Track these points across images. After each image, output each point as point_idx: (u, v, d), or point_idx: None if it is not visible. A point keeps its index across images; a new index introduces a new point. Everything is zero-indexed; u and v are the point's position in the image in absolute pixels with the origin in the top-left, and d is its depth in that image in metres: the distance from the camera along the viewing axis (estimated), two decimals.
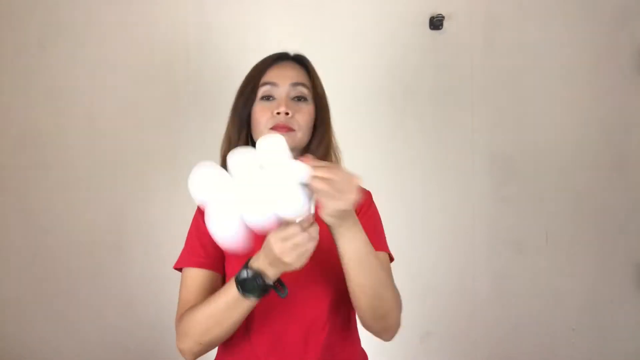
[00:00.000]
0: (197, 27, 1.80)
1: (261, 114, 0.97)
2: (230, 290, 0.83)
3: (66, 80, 1.78)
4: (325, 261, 0.92)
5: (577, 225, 1.90)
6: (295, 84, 0.98)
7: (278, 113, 0.95)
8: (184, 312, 0.93)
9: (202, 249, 0.99)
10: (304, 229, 0.77)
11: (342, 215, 0.79)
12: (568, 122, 1.89)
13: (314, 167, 0.75)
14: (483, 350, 1.89)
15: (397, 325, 0.94)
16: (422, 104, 1.86)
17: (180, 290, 1.00)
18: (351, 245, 0.83)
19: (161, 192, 1.80)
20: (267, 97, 0.98)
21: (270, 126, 0.95)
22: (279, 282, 0.84)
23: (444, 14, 1.81)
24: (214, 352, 1.05)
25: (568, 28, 1.88)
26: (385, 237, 1.05)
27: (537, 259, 1.89)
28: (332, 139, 1.05)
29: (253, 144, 1.02)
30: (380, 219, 1.06)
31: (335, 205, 0.76)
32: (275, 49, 1.07)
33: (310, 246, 0.78)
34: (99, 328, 1.80)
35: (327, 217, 0.79)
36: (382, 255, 1.00)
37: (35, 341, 1.80)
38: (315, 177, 0.75)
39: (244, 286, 0.82)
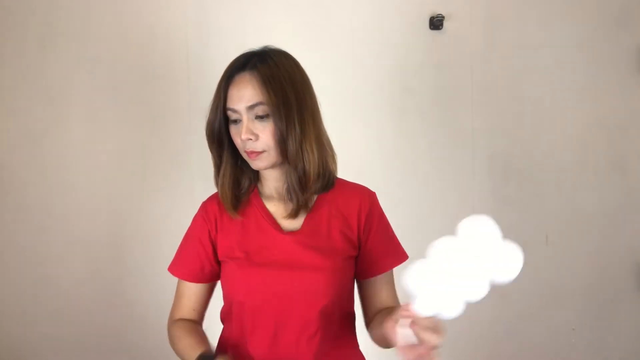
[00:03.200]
0: (197, 27, 1.80)
1: (235, 138, 0.96)
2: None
3: (66, 80, 1.78)
4: (318, 269, 0.94)
5: (577, 225, 1.90)
6: (252, 107, 0.91)
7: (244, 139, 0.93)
8: (173, 321, 1.05)
9: (197, 261, 1.02)
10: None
11: None
12: (568, 122, 1.89)
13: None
14: (483, 350, 1.89)
15: None
16: (422, 104, 1.86)
17: (175, 293, 1.06)
18: None
19: (161, 192, 1.80)
20: (235, 121, 0.95)
21: (244, 151, 0.95)
22: None
23: (444, 14, 1.81)
24: None
25: (568, 28, 1.87)
26: (397, 241, 1.06)
27: (537, 259, 1.89)
28: (311, 135, 0.95)
29: (243, 161, 1.00)
30: (388, 222, 1.07)
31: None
32: None
33: None
34: (99, 328, 1.80)
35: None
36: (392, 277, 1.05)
37: (35, 341, 1.80)
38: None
39: None
